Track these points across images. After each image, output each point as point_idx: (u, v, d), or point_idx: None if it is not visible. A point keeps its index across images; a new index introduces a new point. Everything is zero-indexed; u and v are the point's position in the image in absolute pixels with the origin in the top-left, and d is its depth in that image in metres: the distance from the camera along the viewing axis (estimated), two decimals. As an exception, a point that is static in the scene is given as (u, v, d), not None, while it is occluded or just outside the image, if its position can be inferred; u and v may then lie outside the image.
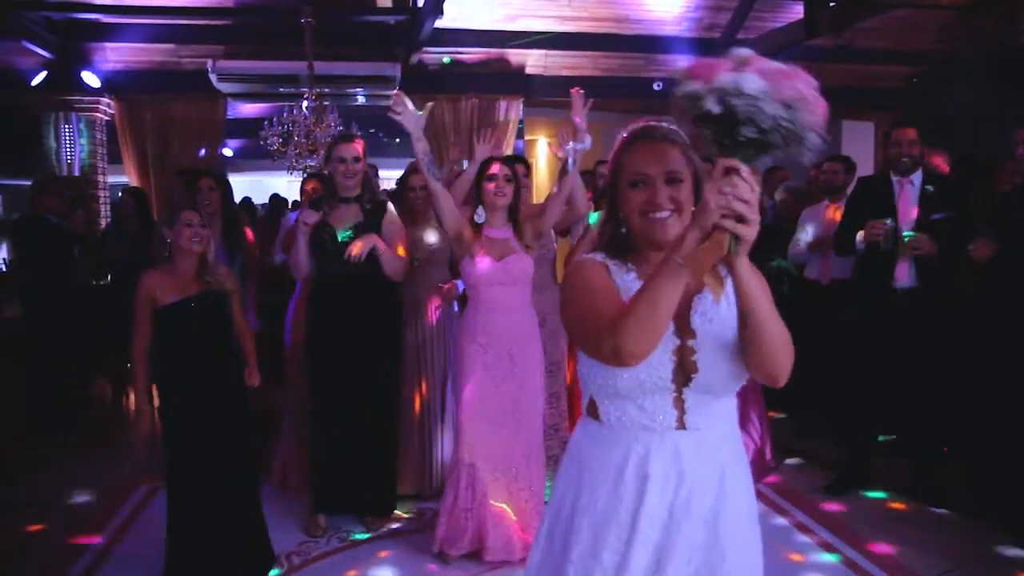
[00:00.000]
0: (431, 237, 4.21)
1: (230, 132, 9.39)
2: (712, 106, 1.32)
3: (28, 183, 5.88)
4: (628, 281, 1.61)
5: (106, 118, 7.60)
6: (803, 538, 3.72)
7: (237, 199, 5.94)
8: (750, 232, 1.33)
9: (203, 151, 7.63)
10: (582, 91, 3.54)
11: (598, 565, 1.60)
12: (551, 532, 1.73)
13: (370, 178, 3.92)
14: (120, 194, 6.17)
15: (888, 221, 3.94)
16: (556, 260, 4.49)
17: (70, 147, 7.34)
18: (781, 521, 3.92)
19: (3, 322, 5.70)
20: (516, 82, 7.93)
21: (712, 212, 1.31)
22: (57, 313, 5.28)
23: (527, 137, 9.61)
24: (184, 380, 3.19)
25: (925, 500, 4.09)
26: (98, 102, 7.39)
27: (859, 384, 4.21)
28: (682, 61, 7.96)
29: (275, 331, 4.67)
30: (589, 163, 4.62)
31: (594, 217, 4.61)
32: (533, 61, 7.94)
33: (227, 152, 11.16)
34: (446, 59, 7.69)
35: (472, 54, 7.78)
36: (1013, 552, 3.58)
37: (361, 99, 7.90)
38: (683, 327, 1.57)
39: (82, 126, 7.42)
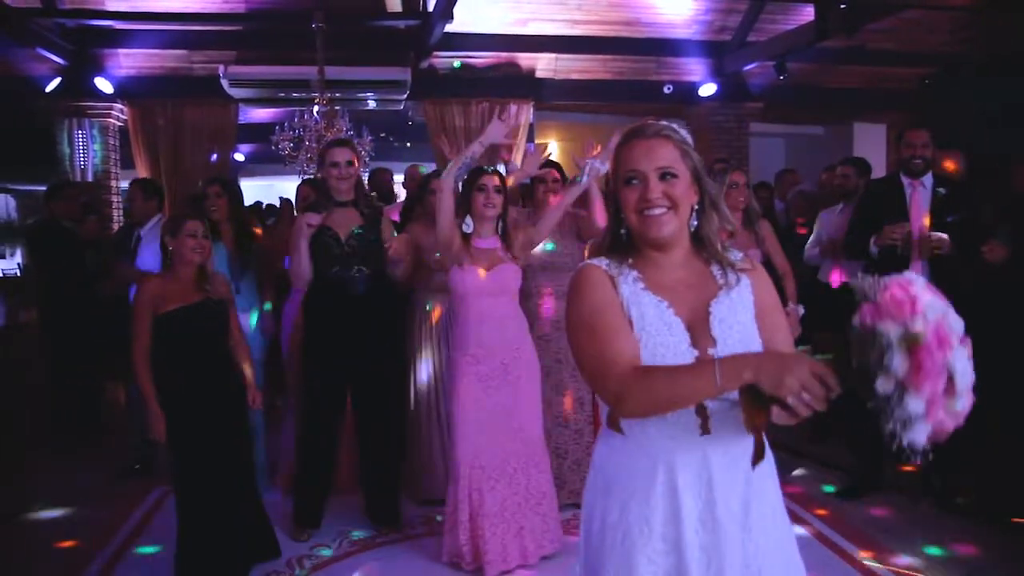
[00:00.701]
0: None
1: (242, 137, 9.42)
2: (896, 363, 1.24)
3: (42, 189, 5.93)
4: (635, 291, 1.59)
5: (119, 124, 7.65)
6: (819, 546, 3.71)
7: (249, 203, 6.00)
8: (799, 416, 1.34)
9: (215, 156, 7.67)
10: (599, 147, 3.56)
11: None
12: (586, 548, 1.72)
13: (362, 183, 3.94)
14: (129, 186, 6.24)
15: (906, 225, 3.92)
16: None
17: (83, 153, 7.39)
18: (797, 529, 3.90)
19: (19, 326, 5.76)
20: (526, 86, 7.93)
21: (783, 390, 1.30)
22: (72, 317, 5.31)
23: (537, 140, 9.61)
24: (184, 386, 3.22)
25: (938, 504, 4.07)
26: (111, 108, 7.44)
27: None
28: (692, 64, 7.99)
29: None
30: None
31: None
32: (543, 65, 7.95)
33: (239, 157, 11.21)
34: (456, 63, 7.70)
35: (482, 58, 7.79)
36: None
37: (372, 103, 7.92)
38: (702, 335, 1.56)
39: (95, 132, 7.47)
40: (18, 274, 7.12)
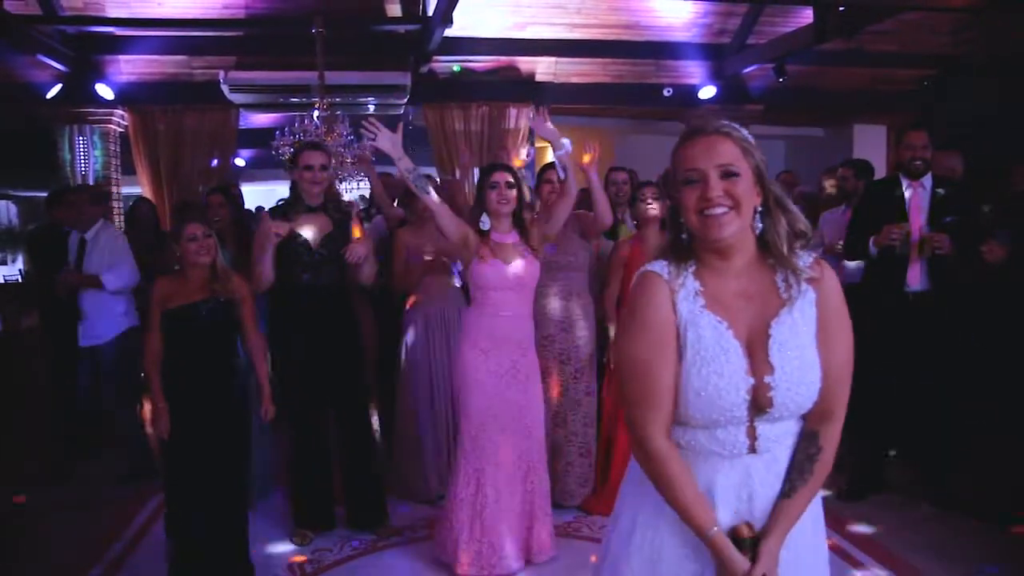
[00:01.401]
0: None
1: (243, 142, 9.44)
2: None
3: (44, 195, 5.95)
4: (694, 310, 1.53)
5: (120, 130, 7.67)
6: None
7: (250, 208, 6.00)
8: None
9: (215, 161, 7.68)
10: (542, 110, 3.64)
11: None
12: (614, 539, 1.71)
13: (334, 186, 3.93)
14: (134, 203, 6.24)
15: (905, 225, 3.93)
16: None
17: (84, 159, 7.40)
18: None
19: (20, 331, 5.76)
20: (526, 90, 7.94)
21: None
22: (73, 322, 5.30)
23: (537, 144, 9.61)
24: (183, 386, 3.23)
25: (939, 504, 4.06)
26: (112, 114, 7.45)
27: (872, 387, 4.18)
28: (692, 67, 8.00)
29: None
30: (600, 171, 4.60)
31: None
32: (543, 69, 7.95)
33: (240, 162, 11.22)
34: (456, 67, 7.72)
35: (482, 62, 7.80)
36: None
37: (373, 108, 7.93)
38: (760, 361, 1.50)
39: (96, 138, 7.48)
40: (19, 280, 7.12)
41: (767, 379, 1.49)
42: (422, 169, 3.52)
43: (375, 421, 4.61)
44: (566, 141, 3.57)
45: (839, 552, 3.64)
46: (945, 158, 4.52)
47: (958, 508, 4.00)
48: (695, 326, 1.52)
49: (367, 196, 6.49)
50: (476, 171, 4.68)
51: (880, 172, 6.74)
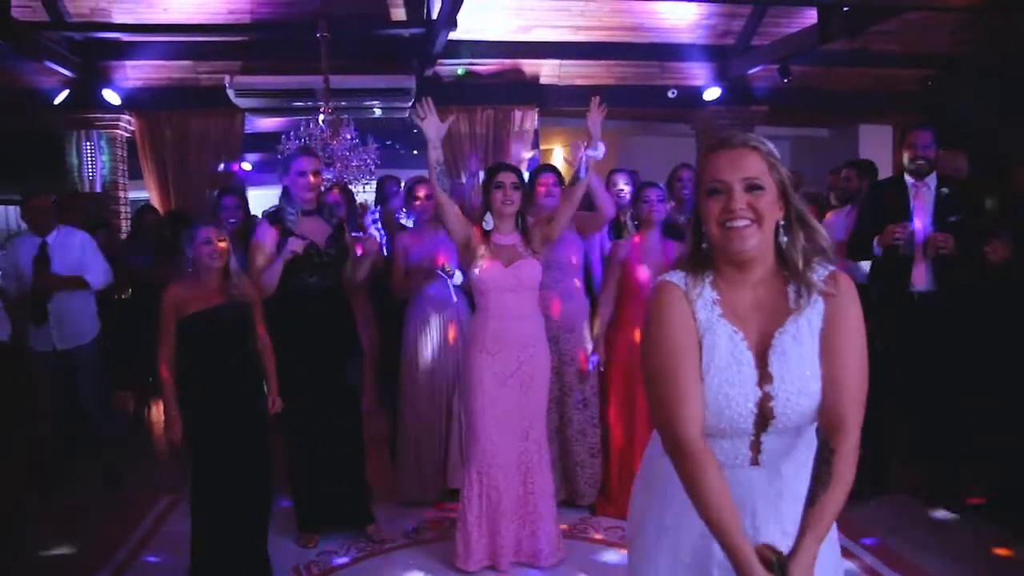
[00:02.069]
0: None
1: (249, 146, 9.47)
2: None
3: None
4: (711, 318, 1.54)
5: (126, 135, 7.71)
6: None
7: (257, 212, 5.99)
8: None
9: (222, 166, 7.72)
10: (599, 98, 3.57)
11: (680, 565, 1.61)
12: (640, 539, 1.73)
13: (323, 193, 3.97)
14: (140, 209, 6.27)
15: (908, 225, 3.93)
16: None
17: (92, 164, 7.46)
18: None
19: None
20: (531, 92, 7.96)
21: None
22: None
23: (542, 147, 9.63)
24: (203, 390, 3.24)
25: (945, 506, 4.05)
26: (119, 119, 7.50)
27: (878, 388, 4.17)
28: (696, 68, 8.00)
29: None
30: (602, 172, 4.62)
31: None
32: (547, 71, 7.97)
33: (246, 166, 11.26)
34: (460, 70, 7.73)
35: (487, 65, 7.82)
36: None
37: (378, 112, 7.95)
38: (763, 372, 1.52)
39: (103, 143, 7.54)
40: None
41: (767, 388, 1.50)
42: (422, 173, 3.54)
43: (385, 425, 4.64)
44: (602, 144, 3.58)
45: (845, 554, 3.63)
46: (950, 158, 4.51)
47: (965, 509, 3.99)
48: (712, 333, 1.53)
49: (366, 203, 6.50)
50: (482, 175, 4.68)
51: (886, 172, 6.74)
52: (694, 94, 8.12)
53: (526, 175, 4.32)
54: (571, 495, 4.14)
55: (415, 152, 10.40)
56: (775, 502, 1.57)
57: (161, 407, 3.36)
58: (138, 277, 5.53)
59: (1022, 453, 3.82)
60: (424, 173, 3.88)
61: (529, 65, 7.90)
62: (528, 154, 4.33)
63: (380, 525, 3.94)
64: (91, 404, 4.71)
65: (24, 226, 4.79)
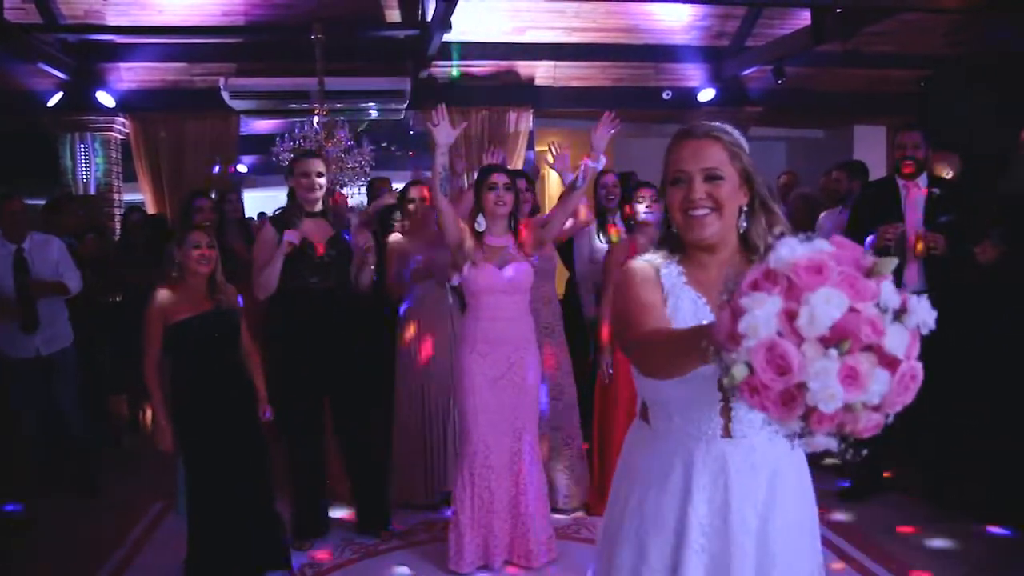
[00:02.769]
0: None
1: (244, 148, 9.46)
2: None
3: (43, 203, 5.96)
4: (676, 284, 1.60)
5: (121, 137, 7.70)
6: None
7: (252, 214, 6.03)
8: None
9: (217, 168, 7.71)
10: (612, 115, 3.56)
11: (646, 567, 1.61)
12: (607, 528, 1.76)
13: (330, 193, 3.98)
14: (127, 212, 6.26)
15: (900, 226, 3.94)
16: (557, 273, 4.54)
17: (86, 167, 7.43)
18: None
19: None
20: (525, 94, 7.96)
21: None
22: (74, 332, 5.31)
23: (537, 148, 9.64)
24: (194, 395, 3.24)
25: (937, 505, 4.06)
26: (113, 121, 7.48)
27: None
28: (691, 69, 8.02)
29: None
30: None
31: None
32: (542, 72, 7.97)
33: (242, 168, 11.25)
34: (455, 72, 7.73)
35: (481, 67, 7.83)
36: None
37: (374, 114, 7.95)
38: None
39: (97, 145, 7.51)
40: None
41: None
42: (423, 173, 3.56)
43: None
44: (603, 157, 3.59)
45: (838, 552, 3.64)
46: (941, 159, 4.53)
47: (958, 508, 4.00)
48: (675, 296, 1.60)
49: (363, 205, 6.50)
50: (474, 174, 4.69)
51: (880, 173, 6.75)
52: (689, 95, 8.13)
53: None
54: (557, 497, 4.15)
55: (411, 154, 10.40)
56: (752, 477, 1.58)
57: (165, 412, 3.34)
58: (127, 280, 5.51)
59: (1014, 452, 3.83)
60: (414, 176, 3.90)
61: (524, 66, 7.90)
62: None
63: (392, 530, 3.95)
64: (70, 409, 4.67)
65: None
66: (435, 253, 4.20)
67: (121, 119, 7.54)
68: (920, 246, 3.90)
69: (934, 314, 1.04)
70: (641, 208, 4.02)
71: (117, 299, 5.78)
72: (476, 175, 3.71)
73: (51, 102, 7.10)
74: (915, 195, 4.03)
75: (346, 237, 3.85)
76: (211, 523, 3.28)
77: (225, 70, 7.32)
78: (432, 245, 4.17)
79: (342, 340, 3.78)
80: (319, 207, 3.82)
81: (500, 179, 3.47)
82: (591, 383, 4.24)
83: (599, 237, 4.75)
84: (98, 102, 7.19)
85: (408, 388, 4.28)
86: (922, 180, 4.05)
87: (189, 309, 3.24)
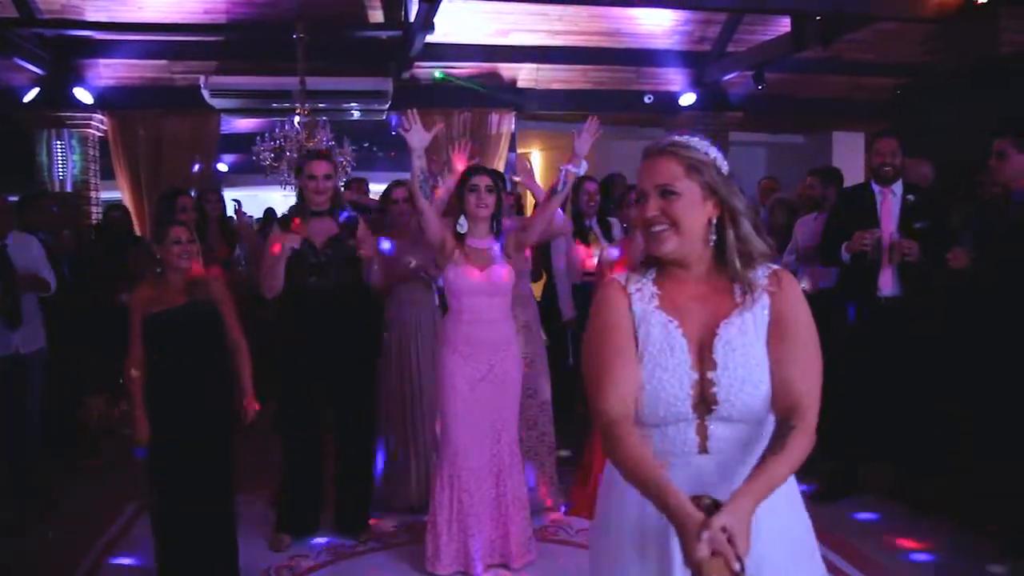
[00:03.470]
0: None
1: (224, 147, 9.40)
2: None
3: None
4: (648, 309, 1.59)
5: (99, 134, 7.63)
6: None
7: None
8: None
9: (197, 166, 7.65)
10: (597, 121, 3.58)
11: None
12: (592, 546, 1.76)
13: (340, 193, 3.98)
14: (107, 210, 6.20)
15: (876, 231, 3.99)
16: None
17: (62, 163, 7.36)
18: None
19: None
20: (508, 96, 7.97)
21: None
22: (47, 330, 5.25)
23: (519, 150, 9.65)
24: (162, 390, 3.22)
25: (911, 507, 4.11)
26: (90, 118, 7.41)
27: (845, 391, 4.22)
28: (672, 74, 8.07)
29: (268, 345, 4.66)
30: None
31: None
32: (525, 75, 7.99)
33: (222, 167, 11.18)
34: (438, 73, 7.72)
35: (464, 68, 7.83)
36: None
37: (356, 114, 7.93)
38: (704, 357, 1.55)
39: (75, 142, 7.44)
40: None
41: (710, 375, 1.53)
42: (405, 175, 3.55)
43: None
44: (585, 162, 3.59)
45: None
46: (916, 166, 4.59)
47: (932, 510, 4.04)
48: (646, 324, 1.59)
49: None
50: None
51: (858, 179, 6.82)
52: (670, 99, 8.18)
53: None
54: (536, 497, 4.16)
55: (393, 155, 10.39)
56: (726, 489, 1.54)
57: (126, 412, 3.31)
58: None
59: (990, 454, 3.87)
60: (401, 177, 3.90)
61: (507, 69, 7.92)
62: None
63: (372, 532, 3.95)
64: (34, 409, 4.60)
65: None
66: (418, 253, 4.19)
67: (99, 116, 7.48)
68: (895, 252, 3.95)
69: None
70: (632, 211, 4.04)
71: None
72: (453, 174, 3.72)
73: (27, 97, 7.02)
74: (891, 201, 4.08)
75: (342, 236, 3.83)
76: (178, 521, 3.24)
77: (206, 68, 7.28)
78: (415, 244, 4.17)
79: (341, 339, 3.77)
80: (326, 207, 3.82)
81: (482, 181, 3.46)
82: (570, 385, 4.25)
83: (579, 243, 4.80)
84: (76, 98, 7.12)
85: (392, 389, 4.27)
86: (898, 187, 4.10)
87: (165, 302, 3.22)
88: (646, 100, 8.18)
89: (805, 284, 4.99)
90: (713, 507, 1.39)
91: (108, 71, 7.36)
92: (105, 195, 7.95)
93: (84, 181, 7.49)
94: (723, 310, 1.58)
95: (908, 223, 4.01)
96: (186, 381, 3.24)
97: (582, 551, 3.71)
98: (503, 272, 3.47)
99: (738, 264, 1.58)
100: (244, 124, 9.22)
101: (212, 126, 7.75)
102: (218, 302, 3.34)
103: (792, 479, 1.62)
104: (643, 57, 7.98)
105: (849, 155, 9.50)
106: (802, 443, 1.50)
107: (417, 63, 7.40)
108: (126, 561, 3.75)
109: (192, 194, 5.46)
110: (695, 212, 1.56)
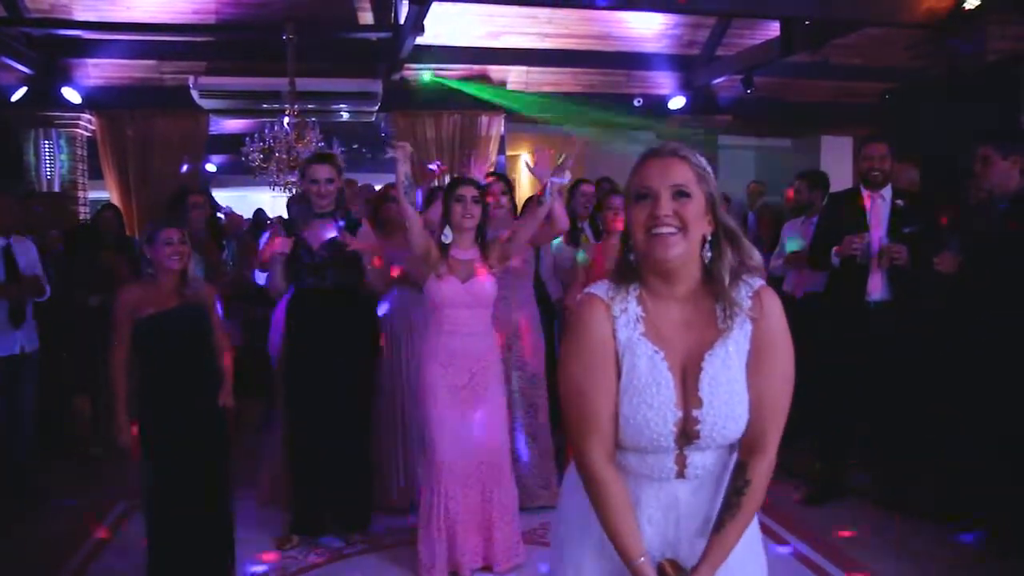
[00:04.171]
0: None
1: (213, 148, 9.37)
2: None
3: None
4: (632, 338, 1.54)
5: (87, 134, 7.58)
6: (779, 548, 3.76)
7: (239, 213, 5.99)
8: None
9: (185, 167, 7.62)
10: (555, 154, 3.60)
11: None
12: (552, 560, 1.75)
13: (343, 195, 3.98)
14: (100, 210, 6.16)
15: (866, 235, 4.01)
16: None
17: (50, 163, 7.31)
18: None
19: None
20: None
21: None
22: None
23: (509, 152, 9.65)
24: (157, 393, 3.20)
25: (898, 509, 4.13)
26: (79, 118, 7.37)
27: (833, 395, 4.25)
28: (661, 77, 8.10)
29: (259, 345, 4.66)
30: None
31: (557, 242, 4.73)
32: (515, 77, 8.00)
33: (210, 168, 11.14)
34: (427, 75, 7.71)
35: (454, 70, 7.83)
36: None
37: (345, 115, 7.93)
38: (690, 394, 1.52)
39: (63, 142, 7.40)
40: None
41: (695, 413, 1.51)
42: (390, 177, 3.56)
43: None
44: (568, 173, 3.60)
45: (800, 558, 3.69)
46: (902, 170, 4.62)
47: (917, 513, 4.07)
48: (632, 353, 1.53)
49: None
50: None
51: (847, 183, 6.86)
52: (659, 103, 8.21)
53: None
54: (523, 498, 4.17)
55: (387, 155, 10.38)
56: (701, 510, 1.59)
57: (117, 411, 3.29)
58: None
59: (977, 456, 3.90)
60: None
61: (496, 71, 7.93)
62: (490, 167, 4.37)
63: (368, 532, 3.96)
64: (29, 409, 4.59)
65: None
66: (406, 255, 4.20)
67: (87, 116, 7.44)
68: (884, 257, 3.98)
69: None
70: (611, 215, 4.06)
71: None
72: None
73: (14, 97, 6.98)
74: (880, 206, 4.10)
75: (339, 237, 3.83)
76: (173, 522, 3.23)
77: (195, 68, 7.26)
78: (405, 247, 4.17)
79: (338, 340, 3.79)
80: (330, 208, 3.84)
81: (468, 192, 3.45)
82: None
83: (568, 244, 4.81)
84: (64, 98, 7.08)
85: (384, 391, 4.26)
86: (887, 191, 4.13)
87: (155, 305, 3.20)
88: (636, 103, 8.21)
89: (792, 287, 5.03)
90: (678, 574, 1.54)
91: (96, 71, 7.32)
92: (93, 195, 7.91)
93: (72, 181, 7.45)
94: (707, 338, 1.53)
95: (897, 228, 4.04)
96: (180, 383, 3.23)
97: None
98: (486, 284, 3.46)
99: (727, 281, 1.54)
100: (233, 125, 9.19)
101: (201, 127, 7.72)
102: (207, 303, 3.35)
103: (755, 522, 1.66)
104: (633, 60, 8.00)
105: (837, 159, 9.56)
106: (756, 501, 1.57)
107: (407, 65, 7.40)
108: (114, 561, 3.73)
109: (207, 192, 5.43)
110: (701, 221, 1.52)
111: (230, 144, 8.78)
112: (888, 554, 3.71)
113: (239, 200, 11.89)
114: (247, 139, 6.79)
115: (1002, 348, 3.56)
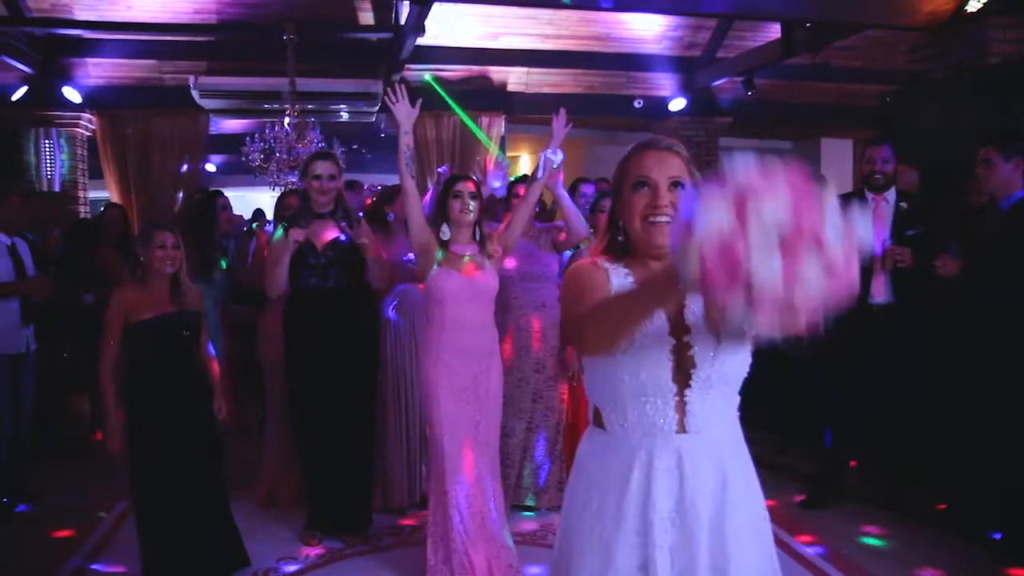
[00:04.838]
0: None
1: (213, 147, 9.38)
2: None
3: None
4: (624, 284, 1.62)
5: (87, 134, 7.58)
6: (779, 551, 3.75)
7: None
8: None
9: (185, 167, 7.62)
10: (566, 111, 3.60)
11: (613, 571, 1.60)
12: (564, 542, 1.74)
13: (343, 195, 3.97)
14: (104, 209, 6.16)
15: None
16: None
17: (50, 162, 7.31)
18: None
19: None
20: (498, 99, 7.98)
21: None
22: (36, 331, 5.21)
23: (509, 154, 9.66)
24: (152, 398, 3.19)
25: (899, 512, 4.13)
26: (79, 117, 7.37)
27: (835, 398, 4.25)
28: (662, 79, 8.10)
29: (248, 346, 4.66)
30: (567, 180, 4.65)
31: None
32: (515, 78, 8.01)
33: (210, 167, 11.14)
34: (427, 76, 7.70)
35: (454, 71, 7.83)
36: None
37: (346, 116, 7.92)
38: (678, 324, 1.58)
39: (63, 141, 7.40)
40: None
41: (686, 338, 1.57)
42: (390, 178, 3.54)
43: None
44: (560, 151, 3.59)
45: (801, 560, 3.69)
46: (903, 172, 4.62)
47: (919, 518, 4.07)
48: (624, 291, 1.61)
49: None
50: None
51: (847, 185, 6.87)
52: (660, 104, 8.22)
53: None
54: (527, 497, 4.21)
55: (384, 159, 10.39)
56: (706, 473, 1.59)
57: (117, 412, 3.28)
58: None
59: (982, 461, 3.90)
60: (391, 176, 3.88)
61: (497, 72, 7.93)
62: (497, 183, 4.35)
63: (366, 532, 3.96)
64: (30, 407, 4.57)
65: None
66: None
67: (88, 115, 7.44)
68: (887, 259, 3.98)
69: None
70: (603, 216, 4.05)
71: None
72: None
73: (15, 96, 6.98)
74: (883, 208, 4.10)
75: (343, 239, 3.83)
76: (160, 526, 3.22)
77: (195, 68, 7.26)
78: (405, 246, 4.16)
79: (341, 341, 3.79)
80: (329, 208, 3.83)
81: (465, 188, 3.43)
82: None
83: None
84: (64, 98, 7.08)
85: (388, 389, 4.26)
86: (891, 194, 4.12)
87: (151, 309, 3.19)
88: (636, 105, 8.21)
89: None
90: None
91: (97, 70, 7.32)
92: (93, 195, 7.91)
93: (72, 180, 7.45)
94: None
95: (901, 230, 4.04)
96: (177, 387, 3.23)
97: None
98: (486, 277, 3.46)
99: None
100: (233, 125, 9.20)
101: (201, 126, 7.72)
102: (200, 311, 3.36)
103: (765, 513, 1.67)
104: (633, 62, 8.01)
105: (837, 161, 9.58)
106: None
107: (407, 65, 7.40)
108: (113, 561, 3.72)
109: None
110: None
111: (230, 144, 8.78)
112: (889, 557, 3.71)
113: (239, 200, 11.90)
114: (247, 139, 6.79)
115: (1003, 350, 3.56)
